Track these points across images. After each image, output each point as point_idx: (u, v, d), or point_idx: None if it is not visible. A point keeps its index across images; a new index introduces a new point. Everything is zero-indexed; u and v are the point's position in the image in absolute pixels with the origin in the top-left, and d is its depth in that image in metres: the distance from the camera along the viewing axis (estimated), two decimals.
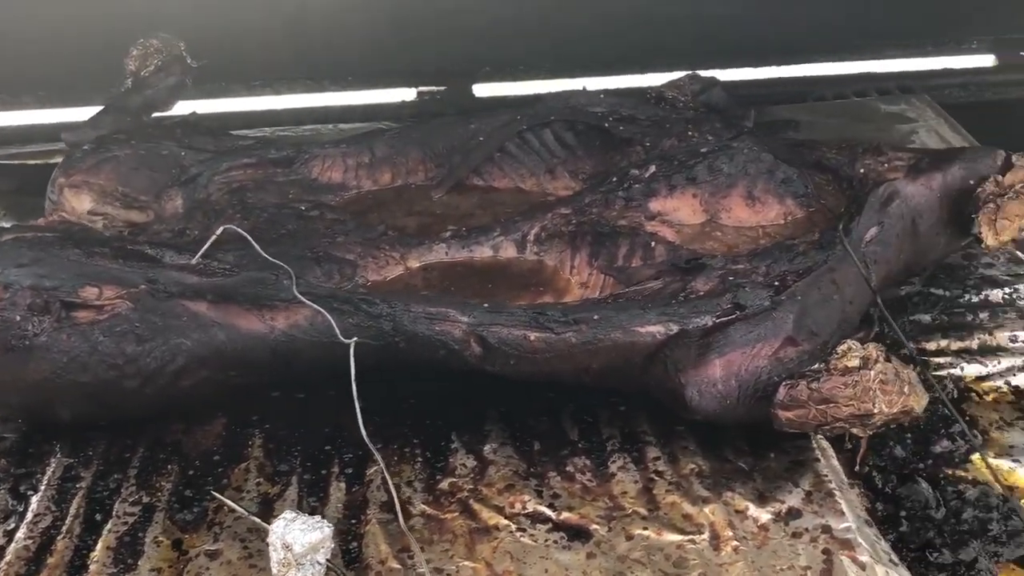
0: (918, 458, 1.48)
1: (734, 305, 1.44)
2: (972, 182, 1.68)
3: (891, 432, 1.50)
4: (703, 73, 2.56)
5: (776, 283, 1.47)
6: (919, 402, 1.34)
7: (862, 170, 1.73)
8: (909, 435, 1.51)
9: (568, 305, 1.48)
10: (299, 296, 1.45)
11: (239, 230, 1.54)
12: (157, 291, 1.46)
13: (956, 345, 1.69)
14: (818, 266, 1.50)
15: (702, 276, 1.50)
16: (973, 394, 1.60)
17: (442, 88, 2.67)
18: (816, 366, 1.36)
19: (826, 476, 1.41)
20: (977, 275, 1.86)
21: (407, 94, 2.66)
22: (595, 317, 1.42)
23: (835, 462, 1.46)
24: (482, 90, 2.68)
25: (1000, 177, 1.67)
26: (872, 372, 1.31)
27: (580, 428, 1.52)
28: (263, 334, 1.48)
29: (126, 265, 1.49)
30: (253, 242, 1.52)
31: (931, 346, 1.69)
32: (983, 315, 1.74)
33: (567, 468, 1.44)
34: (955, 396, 1.59)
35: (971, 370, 1.64)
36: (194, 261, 1.53)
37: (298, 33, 2.54)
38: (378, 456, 1.36)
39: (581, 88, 2.07)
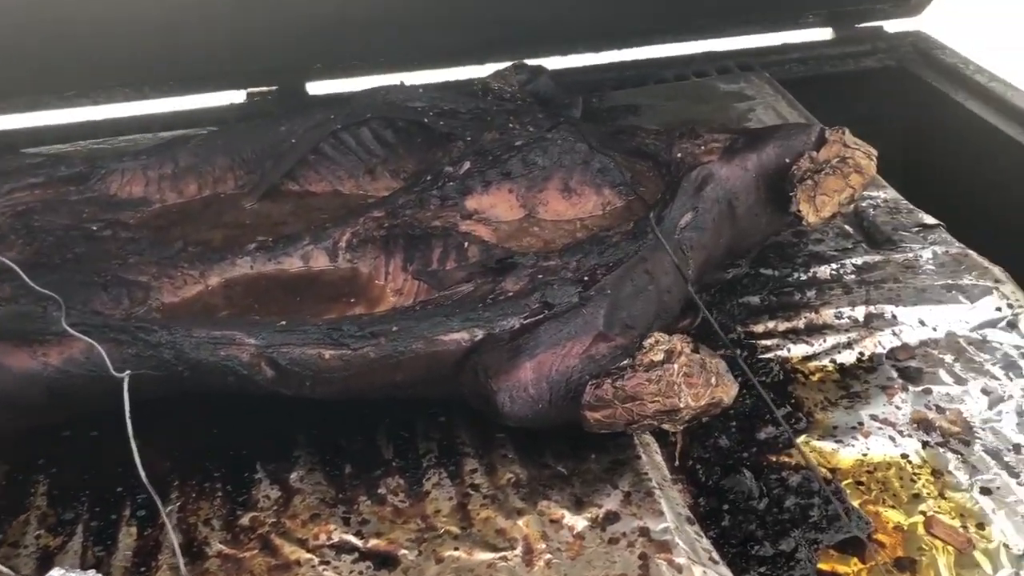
0: (742, 447, 1.45)
1: (542, 304, 1.38)
2: (787, 160, 1.66)
3: (716, 421, 1.47)
4: (543, 61, 2.55)
5: (586, 278, 1.42)
6: (727, 393, 1.30)
7: (679, 155, 1.69)
8: (734, 423, 1.48)
9: (365, 317, 1.39)
10: (68, 329, 1.33)
11: (3, 259, 1.40)
12: None
13: (783, 326, 1.67)
14: (628, 257, 1.45)
15: (512, 276, 1.43)
16: (799, 375, 1.58)
17: (273, 88, 2.54)
18: (624, 362, 1.31)
19: (646, 474, 1.37)
20: (806, 252, 1.85)
21: (236, 96, 2.53)
22: (394, 329, 1.34)
23: (658, 458, 1.41)
24: (317, 88, 2.56)
25: (815, 153, 1.66)
26: (675, 366, 1.27)
27: (396, 445, 1.43)
28: (36, 372, 1.35)
29: None
30: (20, 272, 1.38)
31: (759, 328, 1.67)
32: (810, 293, 1.73)
33: (379, 490, 1.35)
34: (781, 378, 1.57)
35: (797, 350, 1.62)
36: None
37: (113, 36, 2.39)
38: (156, 498, 1.25)
39: (400, 82, 1.98)
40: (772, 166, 1.65)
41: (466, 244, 1.53)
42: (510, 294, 1.40)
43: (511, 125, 1.81)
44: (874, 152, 1.71)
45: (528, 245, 1.56)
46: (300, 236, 1.62)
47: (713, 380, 1.28)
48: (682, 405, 1.26)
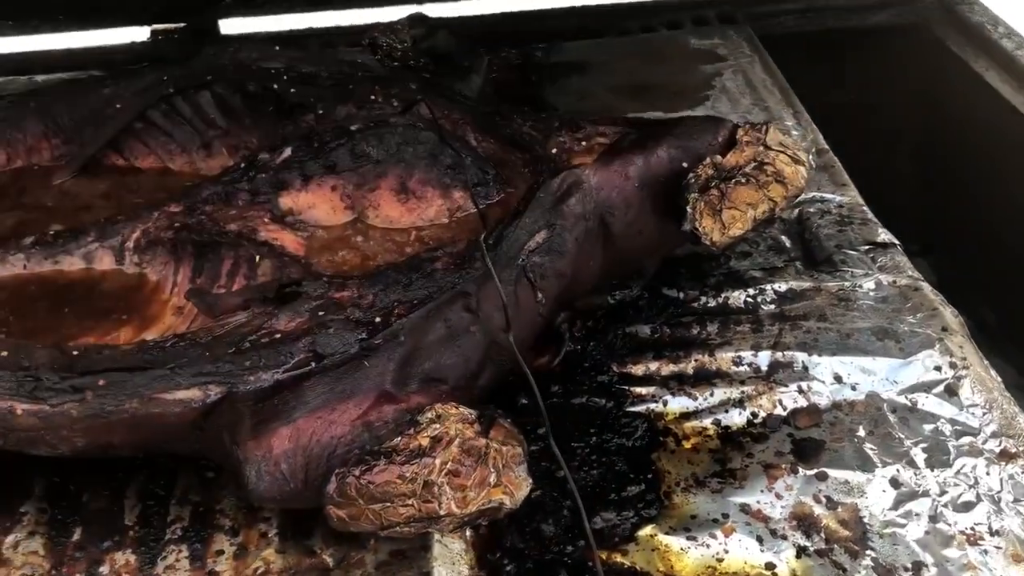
0: (570, 537, 1.16)
1: (311, 354, 1.09)
2: (685, 164, 1.32)
3: (548, 498, 1.18)
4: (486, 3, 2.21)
5: (377, 319, 1.12)
6: (513, 495, 1.01)
7: (553, 150, 1.36)
8: (568, 502, 1.19)
9: (76, 359, 1.12)
10: None
11: None
12: None
13: (667, 369, 1.35)
14: (440, 292, 1.15)
15: (289, 310, 1.14)
16: (670, 439, 1.27)
17: (180, 26, 2.25)
18: (392, 441, 1.02)
19: (439, 571, 1.09)
20: (724, 270, 1.51)
21: (138, 34, 2.24)
22: (100, 383, 1.07)
23: (457, 546, 1.14)
24: (231, 26, 2.26)
25: (720, 158, 1.31)
26: (437, 460, 0.98)
27: (145, 505, 1.18)
28: None
29: None
30: None
31: (637, 369, 1.35)
32: (712, 328, 1.40)
33: (100, 569, 1.11)
34: (645, 442, 1.26)
35: (676, 404, 1.31)
36: None
37: None
38: None
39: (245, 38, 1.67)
40: (664, 172, 1.31)
41: (257, 258, 1.25)
42: (278, 335, 1.12)
43: (373, 97, 1.50)
44: (804, 157, 1.36)
45: (342, 262, 1.27)
46: (85, 231, 1.35)
47: (493, 478, 0.99)
48: (443, 512, 0.98)
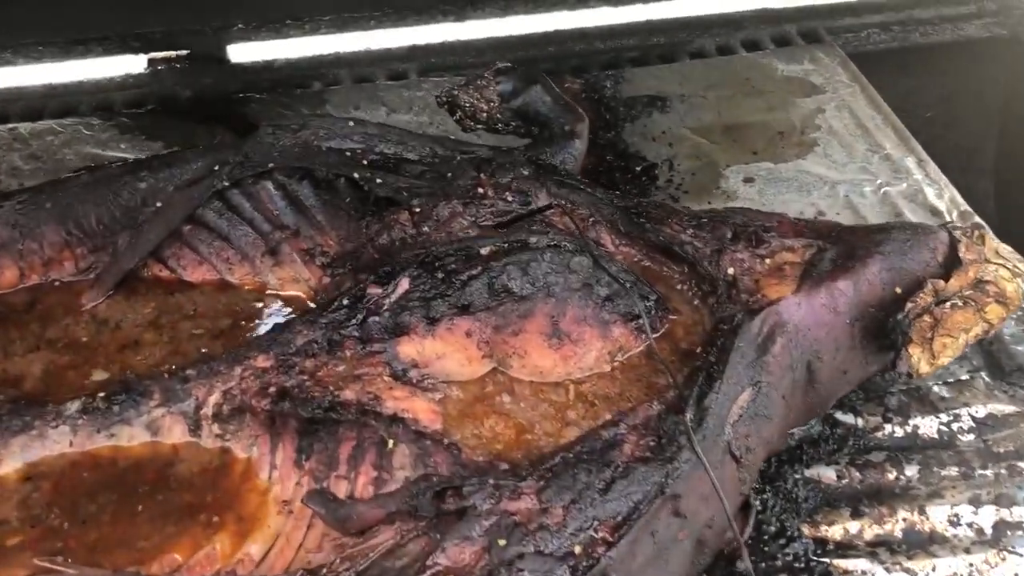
0: None
1: None
2: (899, 290, 1.08)
3: None
4: (544, 18, 1.93)
5: (577, 548, 0.87)
6: None
7: (730, 270, 1.10)
8: None
9: None
10: None
11: None
12: None
13: (871, 532, 1.11)
14: (647, 502, 0.89)
15: (456, 536, 0.88)
16: None
17: (183, 53, 1.91)
18: None
19: None
20: (902, 385, 1.27)
21: (134, 64, 1.90)
22: None
23: None
24: (240, 53, 1.93)
25: (941, 283, 1.07)
26: None
27: None
28: None
29: None
30: None
31: (834, 532, 1.12)
32: (910, 470, 1.17)
33: None
34: None
35: None
36: None
37: None
38: None
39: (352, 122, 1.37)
40: (875, 301, 1.07)
41: (391, 444, 0.97)
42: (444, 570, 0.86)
43: (481, 190, 1.22)
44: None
45: (492, 437, 1.00)
46: (145, 391, 1.06)
47: None
48: None
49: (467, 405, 1.03)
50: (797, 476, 1.17)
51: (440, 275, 1.06)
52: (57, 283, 1.23)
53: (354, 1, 1.92)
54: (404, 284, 1.06)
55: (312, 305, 1.19)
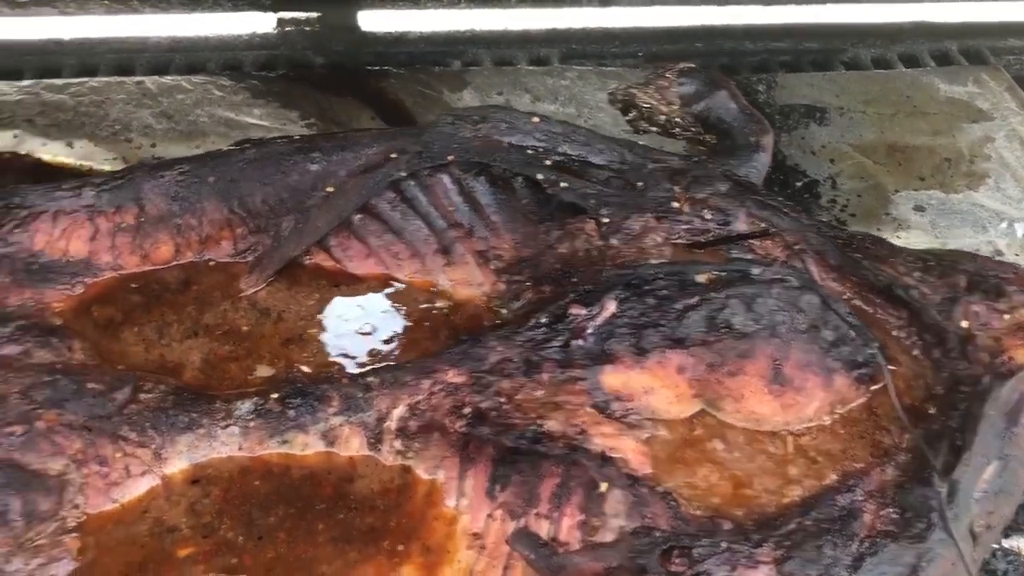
0: None
1: None
2: None
3: None
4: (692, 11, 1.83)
5: None
6: None
7: (964, 323, 1.00)
8: None
9: None
10: None
11: None
12: None
13: None
14: None
15: None
16: None
17: (314, 15, 1.81)
18: None
19: None
20: None
21: (262, 22, 1.80)
22: None
23: None
24: (370, 20, 1.83)
25: None
26: None
27: None
28: None
29: None
30: None
31: None
32: None
33: None
34: None
35: None
36: None
37: None
38: None
39: (508, 106, 1.27)
40: None
41: (603, 487, 0.89)
42: None
43: (676, 204, 1.13)
44: None
45: (707, 488, 0.91)
46: (323, 396, 0.98)
47: None
48: None
49: (676, 448, 0.94)
50: (995, 546, 1.09)
51: (651, 301, 0.97)
52: (212, 263, 1.15)
53: None
54: (611, 307, 0.97)
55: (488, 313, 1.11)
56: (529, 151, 1.18)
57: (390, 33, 1.83)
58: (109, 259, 1.12)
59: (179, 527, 0.91)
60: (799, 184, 1.59)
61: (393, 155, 1.15)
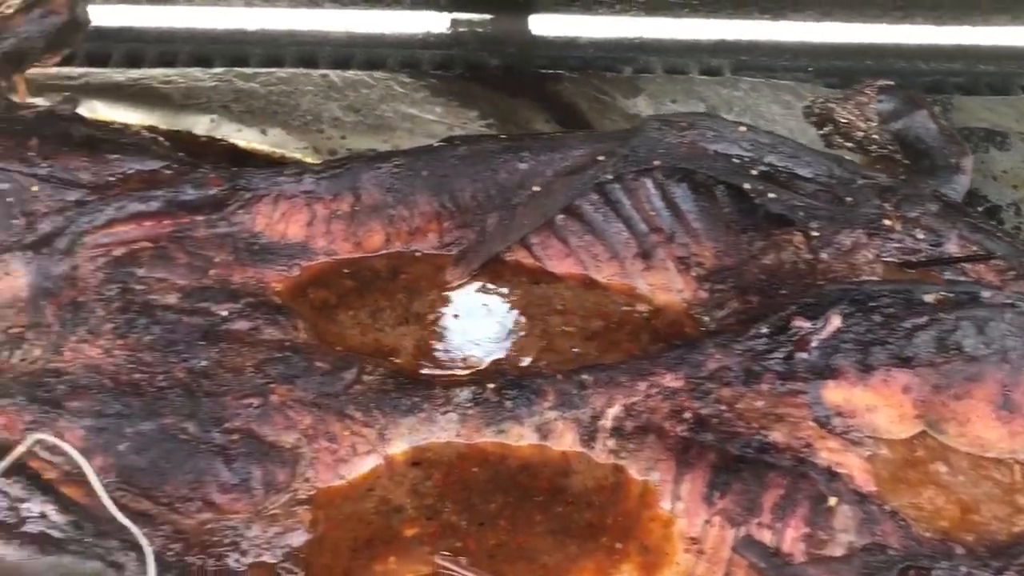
0: None
1: None
2: None
3: None
4: (853, 29, 1.81)
5: None
6: None
7: None
8: None
9: None
10: None
11: (70, 450, 0.83)
12: None
13: None
14: None
15: None
16: None
17: (487, 17, 1.84)
18: None
19: None
20: None
21: (436, 22, 1.85)
22: None
23: None
24: (541, 25, 1.86)
25: None
26: None
27: None
28: None
29: None
30: (97, 485, 0.82)
31: None
32: None
33: None
34: None
35: None
36: None
37: None
38: None
39: (710, 116, 1.28)
40: None
41: (832, 501, 0.89)
42: None
43: (887, 222, 1.12)
44: None
45: (934, 511, 0.90)
46: (539, 390, 1.00)
47: None
48: None
49: (898, 468, 0.93)
50: None
51: (878, 318, 0.96)
52: (419, 254, 1.18)
53: None
54: (836, 322, 0.97)
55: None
56: (735, 160, 1.18)
57: (560, 37, 1.85)
58: (324, 244, 1.16)
59: (404, 507, 0.94)
60: (980, 209, 1.56)
61: (600, 157, 1.17)
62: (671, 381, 0.98)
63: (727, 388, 0.96)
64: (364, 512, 0.93)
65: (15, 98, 1.28)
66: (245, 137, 1.52)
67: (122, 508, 0.86)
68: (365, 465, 0.96)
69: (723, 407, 0.95)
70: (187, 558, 0.86)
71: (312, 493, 0.94)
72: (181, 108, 1.55)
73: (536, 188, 1.17)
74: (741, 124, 1.21)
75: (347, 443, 0.97)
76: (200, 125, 1.53)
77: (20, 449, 0.82)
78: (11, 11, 1.27)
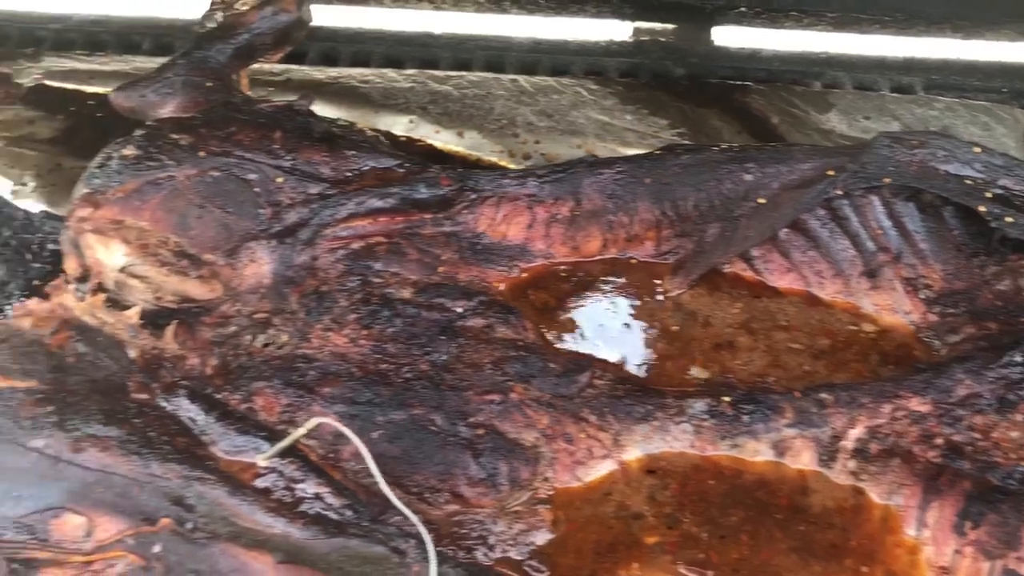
0: None
1: None
2: None
3: None
4: None
5: None
6: None
7: None
8: None
9: None
10: None
11: (352, 436, 0.86)
12: (193, 529, 0.81)
13: None
14: None
15: None
16: None
17: (670, 27, 1.84)
18: None
19: None
20: None
21: (619, 30, 1.85)
22: None
23: None
24: (724, 35, 1.84)
25: None
26: None
27: None
28: None
29: (140, 458, 0.83)
30: (376, 473, 0.84)
31: None
32: None
33: None
34: None
35: None
36: (262, 462, 0.87)
37: None
38: None
39: (939, 134, 1.25)
40: None
41: None
42: None
43: None
44: None
45: None
46: (776, 407, 0.99)
47: None
48: None
49: None
50: None
51: None
52: (634, 261, 1.19)
53: (866, 1, 1.79)
54: None
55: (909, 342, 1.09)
56: (968, 181, 1.15)
57: (744, 49, 1.83)
58: (542, 247, 1.17)
59: (643, 514, 0.94)
60: None
61: (830, 172, 1.15)
62: (918, 405, 0.95)
63: (979, 416, 0.94)
64: (604, 516, 0.94)
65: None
66: (442, 139, 1.55)
67: (375, 495, 0.89)
68: (601, 469, 0.97)
69: (977, 435, 0.93)
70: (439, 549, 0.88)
71: (551, 493, 0.95)
72: (381, 108, 1.59)
73: (761, 200, 1.16)
74: (975, 145, 1.18)
75: (584, 445, 0.97)
76: (399, 125, 1.57)
77: (301, 431, 0.86)
78: (246, 8, 1.32)
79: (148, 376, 0.92)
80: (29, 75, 1.66)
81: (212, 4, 1.35)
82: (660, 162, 1.19)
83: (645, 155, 1.22)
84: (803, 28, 1.83)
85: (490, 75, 1.70)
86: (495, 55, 1.78)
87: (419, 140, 1.55)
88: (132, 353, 0.94)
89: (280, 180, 1.12)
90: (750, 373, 1.06)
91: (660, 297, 1.14)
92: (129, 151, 1.10)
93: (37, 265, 1.33)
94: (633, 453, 0.98)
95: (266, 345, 1.04)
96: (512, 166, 1.50)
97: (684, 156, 1.20)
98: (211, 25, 1.34)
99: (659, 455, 0.98)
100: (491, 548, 0.90)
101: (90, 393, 0.86)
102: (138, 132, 1.16)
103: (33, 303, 0.97)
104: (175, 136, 1.12)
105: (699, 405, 0.99)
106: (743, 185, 1.17)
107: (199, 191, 1.09)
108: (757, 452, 0.98)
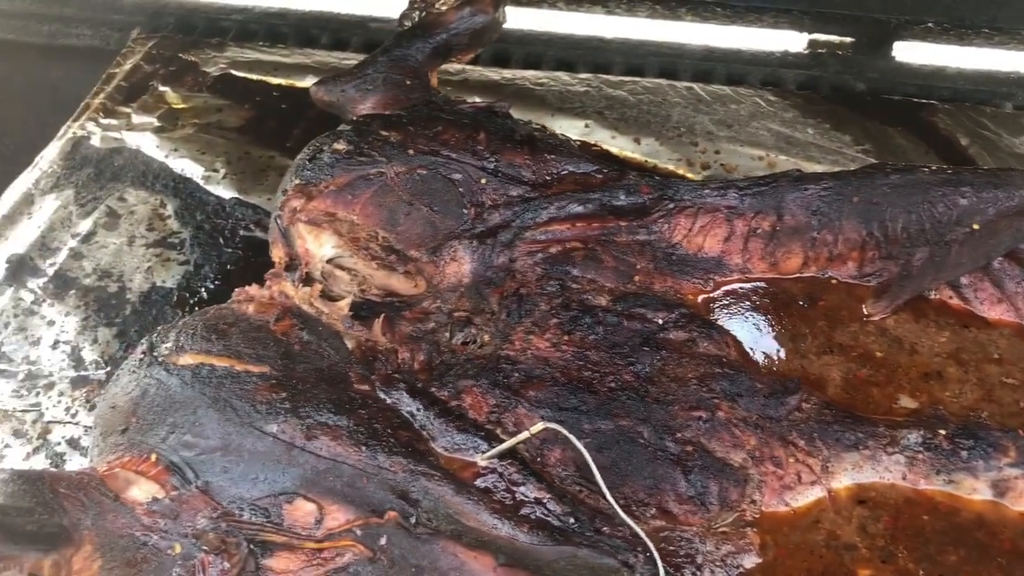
0: None
1: None
2: None
3: None
4: None
5: None
6: None
7: None
8: None
9: None
10: None
11: (577, 443, 0.85)
12: (416, 524, 0.82)
13: None
14: None
15: None
16: None
17: (848, 40, 1.79)
18: None
19: None
20: None
21: (793, 41, 1.81)
22: None
23: None
24: (906, 51, 1.78)
25: None
26: None
27: None
28: None
29: (368, 449, 0.84)
30: (602, 485, 0.84)
31: None
32: None
33: None
34: None
35: None
36: (481, 461, 0.87)
37: None
38: None
39: None
40: None
41: None
42: None
43: None
44: None
45: None
46: (997, 444, 0.94)
47: None
48: None
49: None
50: None
51: None
52: (835, 281, 1.15)
53: None
54: None
55: None
56: None
57: (927, 66, 1.76)
58: (739, 261, 1.15)
59: (855, 545, 0.91)
60: None
61: None
62: None
63: None
64: (813, 544, 0.91)
65: None
66: (618, 144, 1.54)
67: (582, 503, 0.88)
68: (810, 495, 0.94)
69: None
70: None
71: (758, 516, 0.93)
72: (557, 111, 1.59)
73: (976, 226, 1.11)
74: None
75: (792, 470, 0.95)
76: (575, 129, 1.56)
77: (525, 434, 0.86)
78: (445, 8, 1.34)
79: (366, 368, 0.94)
80: (215, 64, 1.72)
81: (411, 3, 1.37)
82: (869, 180, 1.15)
83: (852, 172, 1.19)
84: (992, 46, 1.76)
85: (664, 81, 1.68)
86: (668, 61, 1.75)
87: (594, 145, 1.54)
88: (350, 344, 0.96)
89: (484, 181, 1.13)
90: (961, 406, 1.02)
91: (864, 320, 1.12)
92: (341, 145, 1.13)
93: (229, 250, 1.38)
94: (842, 481, 0.95)
95: (466, 343, 1.05)
96: (690, 175, 1.48)
97: (894, 175, 1.15)
98: (408, 23, 1.36)
99: (869, 485, 0.95)
100: (699, 568, 0.88)
101: (317, 382, 0.89)
102: (346, 127, 1.18)
103: (254, 289, 0.99)
104: (385, 133, 1.14)
105: (913, 436, 0.96)
106: (957, 209, 1.12)
107: (408, 188, 1.10)
108: (974, 490, 0.94)
